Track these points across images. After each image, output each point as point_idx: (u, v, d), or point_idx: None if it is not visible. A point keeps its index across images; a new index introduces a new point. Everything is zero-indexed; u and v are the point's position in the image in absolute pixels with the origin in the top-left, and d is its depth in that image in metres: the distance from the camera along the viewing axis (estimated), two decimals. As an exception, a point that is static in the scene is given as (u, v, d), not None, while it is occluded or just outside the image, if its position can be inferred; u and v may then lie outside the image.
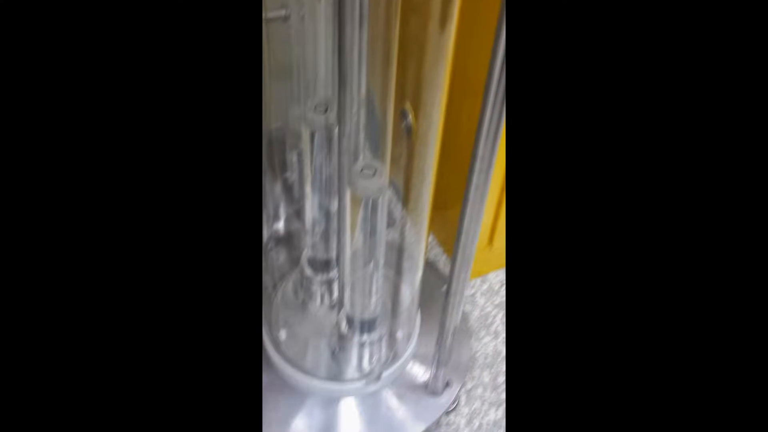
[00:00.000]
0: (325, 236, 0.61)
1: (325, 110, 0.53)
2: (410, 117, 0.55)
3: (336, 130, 0.51)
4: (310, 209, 0.59)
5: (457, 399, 0.65)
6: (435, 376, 0.61)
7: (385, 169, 0.48)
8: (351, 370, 0.61)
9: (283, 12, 0.53)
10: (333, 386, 0.61)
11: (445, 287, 0.52)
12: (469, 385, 0.67)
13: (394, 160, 0.54)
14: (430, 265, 0.76)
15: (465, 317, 0.72)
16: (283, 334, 0.63)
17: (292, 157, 0.62)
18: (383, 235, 0.52)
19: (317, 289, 0.65)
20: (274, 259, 0.68)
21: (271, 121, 0.61)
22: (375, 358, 0.61)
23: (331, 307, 0.65)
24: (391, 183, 0.58)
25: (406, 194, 0.61)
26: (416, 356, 0.64)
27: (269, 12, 0.52)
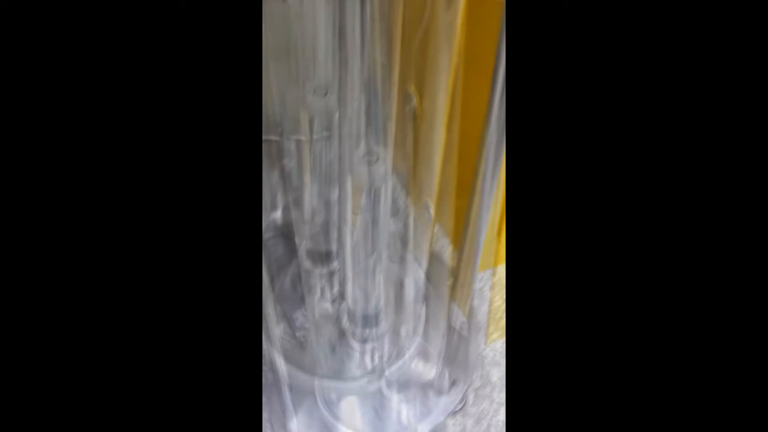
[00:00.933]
0: (325, 227, 0.63)
1: (325, 94, 0.54)
2: (415, 100, 0.55)
3: (336, 115, 0.52)
4: (309, 198, 0.60)
5: (464, 398, 0.65)
6: (441, 374, 0.62)
7: (389, 155, 0.49)
8: (353, 368, 0.62)
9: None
10: (334, 384, 0.61)
11: (451, 280, 0.53)
12: (477, 384, 0.68)
13: (398, 146, 0.55)
14: (435, 257, 0.77)
15: (473, 312, 0.73)
16: (280, 330, 0.65)
17: (290, 144, 0.63)
18: (386, 225, 0.53)
19: (317, 283, 0.66)
20: (271, 250, 0.70)
21: (267, 104, 0.61)
22: (378, 355, 0.62)
23: (332, 301, 0.66)
24: (395, 170, 0.58)
25: (410, 182, 0.61)
26: (421, 353, 0.65)
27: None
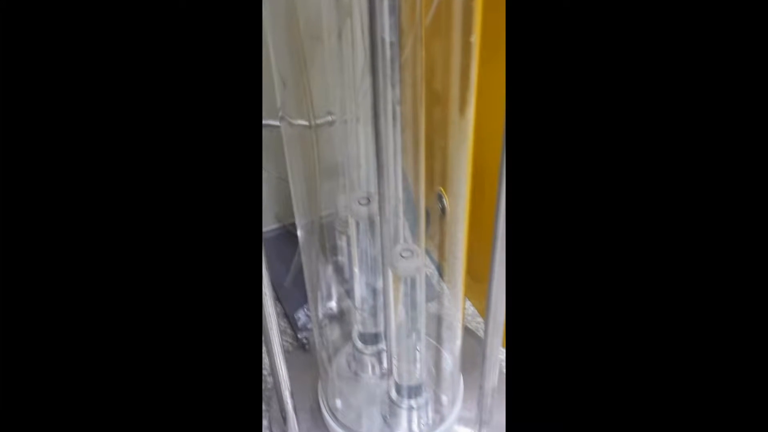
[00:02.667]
0: (373, 312, 0.70)
1: (368, 202, 0.62)
2: (445, 199, 0.63)
3: (377, 219, 0.60)
4: (359, 288, 0.68)
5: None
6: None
7: (421, 250, 0.57)
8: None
9: (329, 118, 0.62)
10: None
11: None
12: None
13: (431, 239, 0.63)
14: (470, 333, 0.84)
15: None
16: (338, 403, 0.72)
17: (342, 242, 0.71)
18: (423, 308, 0.61)
19: (368, 361, 0.73)
20: (328, 335, 0.76)
21: (321, 209, 0.69)
22: (422, 421, 0.69)
23: (381, 376, 0.73)
24: (432, 260, 0.67)
25: (443, 269, 0.68)
26: (461, 419, 0.71)
27: (318, 119, 0.62)
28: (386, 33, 0.43)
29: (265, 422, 0.75)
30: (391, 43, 0.44)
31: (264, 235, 0.92)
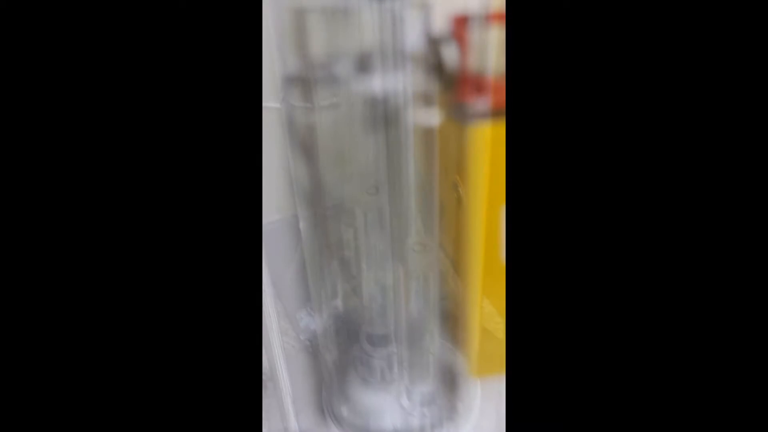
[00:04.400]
0: (382, 311, 0.69)
1: (376, 192, 0.62)
2: (461, 189, 0.63)
3: (386, 211, 0.60)
4: (367, 285, 0.67)
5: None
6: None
7: (435, 243, 0.57)
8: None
9: (334, 99, 0.62)
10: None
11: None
12: None
13: (446, 232, 0.63)
14: (488, 334, 0.80)
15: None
16: (344, 411, 0.71)
17: (348, 236, 0.70)
18: (437, 307, 0.61)
19: (377, 365, 0.72)
20: (333, 336, 0.75)
21: (326, 200, 0.69)
22: (436, 431, 0.68)
23: (391, 381, 0.72)
24: (446, 255, 0.67)
25: (458, 264, 0.68)
26: (478, 428, 0.70)
27: (322, 100, 0.62)
28: (397, 6, 0.43)
29: (265, 431, 0.75)
30: (403, 18, 0.43)
31: (264, 228, 0.92)
